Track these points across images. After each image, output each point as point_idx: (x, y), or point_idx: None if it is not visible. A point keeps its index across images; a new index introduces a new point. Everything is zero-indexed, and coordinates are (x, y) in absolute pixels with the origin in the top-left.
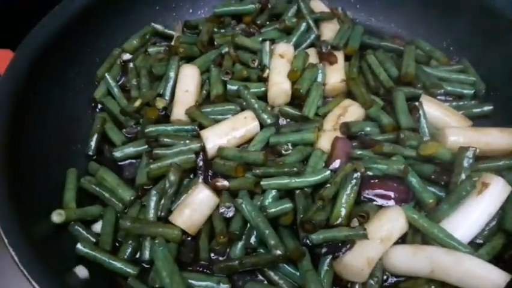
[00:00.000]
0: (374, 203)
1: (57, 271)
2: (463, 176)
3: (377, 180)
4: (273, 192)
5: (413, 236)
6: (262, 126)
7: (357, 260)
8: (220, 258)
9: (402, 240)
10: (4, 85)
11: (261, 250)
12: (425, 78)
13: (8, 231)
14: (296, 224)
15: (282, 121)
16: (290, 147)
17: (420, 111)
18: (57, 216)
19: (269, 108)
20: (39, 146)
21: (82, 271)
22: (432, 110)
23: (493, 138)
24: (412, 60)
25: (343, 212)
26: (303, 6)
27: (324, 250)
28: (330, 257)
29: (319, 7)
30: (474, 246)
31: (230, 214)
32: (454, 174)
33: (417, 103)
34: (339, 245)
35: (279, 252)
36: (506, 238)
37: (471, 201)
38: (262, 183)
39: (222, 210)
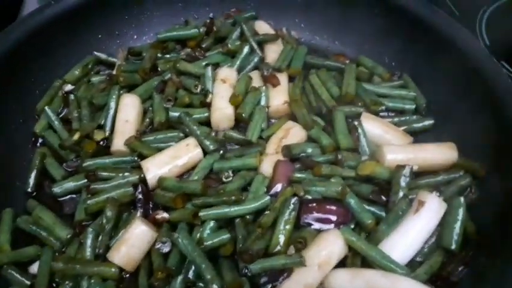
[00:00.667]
0: (313, 227)
1: None
2: (401, 194)
3: (315, 204)
4: (211, 223)
5: (352, 258)
6: (206, 152)
7: (295, 287)
8: None
9: (343, 263)
10: None
11: (200, 284)
12: (365, 96)
13: None
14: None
15: (230, 146)
16: (231, 174)
17: (360, 130)
18: None
19: (213, 134)
20: None
21: None
22: (373, 127)
23: (431, 153)
24: (352, 79)
25: (281, 239)
26: (245, 29)
27: (263, 280)
28: (269, 286)
29: (263, 28)
30: (415, 265)
31: (166, 249)
32: (391, 193)
33: (356, 122)
34: (277, 274)
35: (215, 286)
36: (444, 255)
37: (408, 220)
38: (200, 214)
39: (158, 246)
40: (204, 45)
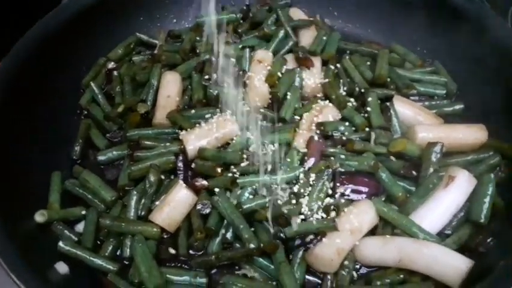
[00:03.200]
0: (346, 197)
1: (39, 267)
2: (431, 170)
3: (348, 176)
4: (249, 189)
5: (383, 228)
6: (242, 128)
7: (327, 250)
8: (197, 254)
9: (372, 232)
10: None
11: (237, 245)
12: (397, 80)
13: None
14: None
15: (261, 123)
16: (271, 146)
17: (392, 111)
18: (40, 216)
19: (248, 111)
20: (27, 150)
21: (62, 267)
22: (405, 109)
23: (461, 133)
24: (385, 63)
25: (315, 206)
26: (281, 15)
27: (297, 242)
28: (302, 249)
29: (298, 15)
30: (443, 237)
31: (207, 211)
32: (422, 169)
33: (388, 103)
34: (311, 238)
35: (252, 245)
36: (472, 228)
37: (438, 194)
38: (238, 180)
39: (199, 207)
40: (239, 30)
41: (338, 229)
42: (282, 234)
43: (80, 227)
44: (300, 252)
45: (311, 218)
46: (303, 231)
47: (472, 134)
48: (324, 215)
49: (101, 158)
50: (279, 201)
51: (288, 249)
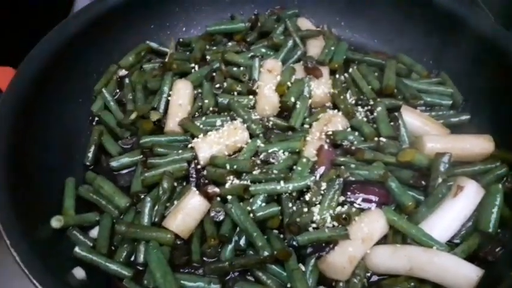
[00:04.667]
0: (356, 205)
1: (56, 271)
2: (440, 180)
3: (359, 185)
4: (261, 197)
5: (393, 236)
6: (252, 136)
7: (340, 258)
8: (210, 261)
9: (383, 241)
10: (7, 100)
11: (250, 252)
12: (405, 90)
13: (10, 234)
14: (283, 226)
15: (270, 132)
16: (280, 154)
17: (400, 121)
18: (56, 222)
19: (258, 119)
20: (40, 157)
21: (79, 272)
22: (412, 119)
23: (468, 143)
24: (393, 73)
25: (327, 214)
26: (289, 25)
27: (309, 250)
28: (315, 256)
29: (305, 25)
30: (452, 246)
31: (220, 218)
32: (431, 179)
33: (396, 113)
34: (323, 245)
35: (266, 253)
36: (481, 238)
37: (447, 204)
38: (251, 188)
39: (212, 214)
40: (248, 39)
41: (349, 238)
42: (294, 242)
43: (94, 232)
44: (313, 260)
45: (323, 227)
46: (315, 240)
47: (479, 145)
48: (336, 224)
49: (114, 164)
50: (290, 210)
51: (299, 256)
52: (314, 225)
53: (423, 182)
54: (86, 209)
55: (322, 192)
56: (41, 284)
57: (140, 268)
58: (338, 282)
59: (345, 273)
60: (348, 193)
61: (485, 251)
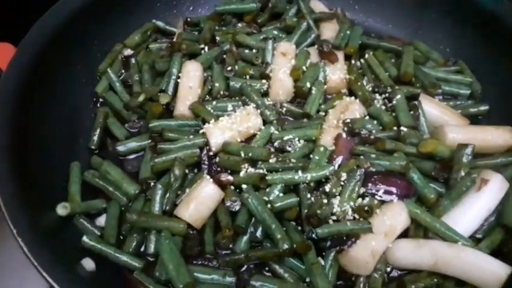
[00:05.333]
0: (377, 197)
1: (65, 262)
2: (462, 173)
3: (380, 176)
4: (279, 186)
5: (415, 230)
6: (265, 122)
7: (362, 253)
8: (224, 252)
9: (404, 235)
10: (8, 80)
11: (267, 244)
12: (423, 78)
13: (16, 223)
14: (300, 218)
15: (284, 118)
16: (296, 142)
17: (420, 110)
18: (62, 209)
19: (271, 105)
20: (43, 140)
21: (88, 263)
22: (431, 108)
23: (490, 135)
24: (411, 60)
25: (347, 206)
26: (303, 6)
27: (328, 243)
28: (335, 250)
29: (318, 7)
30: (474, 241)
31: (236, 208)
32: (453, 171)
33: (416, 102)
34: (344, 239)
35: (285, 245)
36: (505, 233)
37: (471, 197)
38: (267, 177)
39: (228, 203)
40: (259, 21)
41: (372, 231)
42: (313, 235)
43: (101, 220)
44: (333, 254)
45: (344, 219)
46: (336, 232)
47: (501, 136)
48: (357, 216)
49: (120, 148)
50: (309, 201)
51: (318, 249)
52: (334, 217)
53: (445, 174)
54: (92, 196)
55: (342, 183)
56: (52, 278)
57: (151, 259)
58: (358, 278)
59: (368, 268)
60: (369, 184)
61: (509, 246)
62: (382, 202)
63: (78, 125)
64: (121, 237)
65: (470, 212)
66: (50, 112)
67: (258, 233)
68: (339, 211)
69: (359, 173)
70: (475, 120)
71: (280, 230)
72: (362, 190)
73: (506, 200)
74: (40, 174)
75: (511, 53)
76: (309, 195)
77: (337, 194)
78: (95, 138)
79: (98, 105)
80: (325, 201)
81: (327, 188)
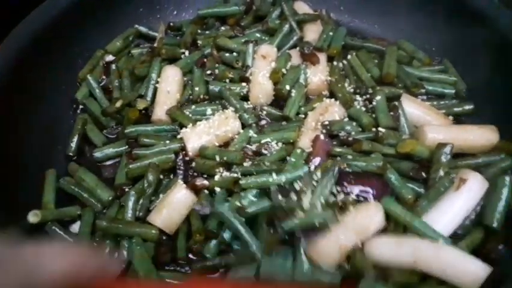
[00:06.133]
0: (353, 196)
1: None
2: (441, 172)
3: (356, 176)
4: (253, 191)
5: (394, 229)
6: (244, 126)
7: (330, 246)
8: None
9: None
10: None
11: (235, 246)
12: (406, 78)
13: None
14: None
15: (263, 121)
16: (274, 145)
17: (400, 110)
18: (33, 217)
19: (251, 108)
20: (20, 147)
21: None
22: (413, 109)
23: (471, 135)
24: (393, 60)
25: (318, 202)
26: (286, 8)
27: (299, 235)
28: (305, 242)
29: (303, 9)
30: (454, 240)
31: (206, 211)
32: (432, 171)
33: (396, 102)
34: (312, 233)
35: (255, 247)
36: (484, 233)
37: (449, 197)
38: (241, 181)
39: (197, 207)
40: (242, 24)
41: (338, 220)
42: (282, 228)
43: (75, 227)
44: (304, 247)
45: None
46: (303, 224)
47: (483, 136)
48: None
49: (97, 155)
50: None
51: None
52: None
53: (423, 174)
54: (68, 202)
55: (315, 182)
56: None
57: (123, 266)
58: None
59: (334, 261)
60: (345, 183)
61: (488, 247)
62: (358, 202)
63: (56, 131)
64: (95, 244)
65: (449, 212)
66: (28, 119)
67: (226, 236)
68: (308, 207)
69: (333, 170)
70: (460, 119)
71: (249, 234)
72: (338, 189)
73: (487, 199)
74: (15, 181)
75: (499, 53)
76: (280, 196)
77: (308, 191)
78: (73, 144)
79: (79, 111)
80: (295, 198)
81: (297, 186)
